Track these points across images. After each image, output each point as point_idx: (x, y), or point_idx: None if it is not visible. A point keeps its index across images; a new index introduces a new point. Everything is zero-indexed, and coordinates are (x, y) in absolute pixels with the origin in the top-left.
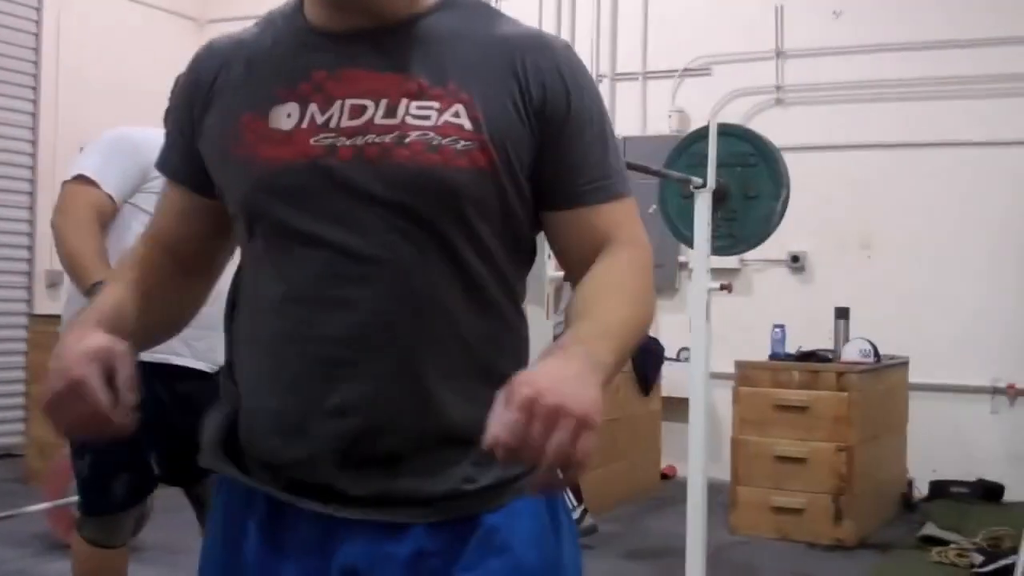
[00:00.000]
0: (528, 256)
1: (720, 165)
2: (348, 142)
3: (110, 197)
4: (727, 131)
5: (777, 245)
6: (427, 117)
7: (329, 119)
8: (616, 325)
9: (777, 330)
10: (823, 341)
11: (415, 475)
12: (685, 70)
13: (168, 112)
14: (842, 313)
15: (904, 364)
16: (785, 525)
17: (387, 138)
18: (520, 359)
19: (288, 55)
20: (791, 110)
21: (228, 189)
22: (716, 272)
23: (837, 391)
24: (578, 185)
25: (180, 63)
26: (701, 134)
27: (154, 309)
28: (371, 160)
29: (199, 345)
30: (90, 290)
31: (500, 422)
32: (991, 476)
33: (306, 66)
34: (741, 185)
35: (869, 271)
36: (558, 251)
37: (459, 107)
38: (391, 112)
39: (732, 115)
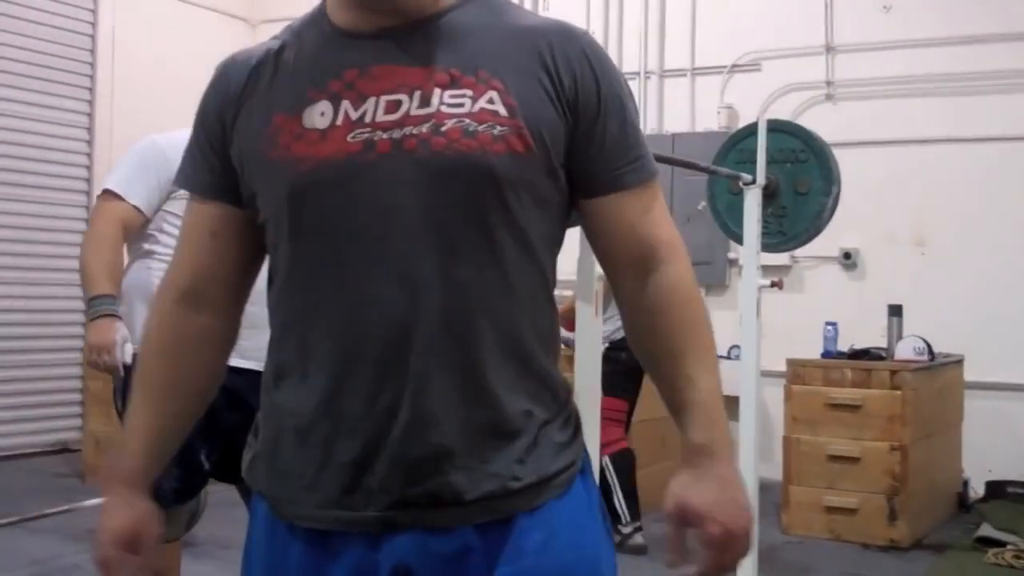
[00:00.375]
0: (558, 246)
1: (770, 161)
2: (385, 136)
3: (136, 208)
4: (777, 127)
5: (828, 241)
6: (461, 104)
7: (364, 115)
8: (716, 402)
9: (829, 328)
10: (876, 339)
11: (465, 471)
12: (734, 66)
13: (193, 130)
14: (895, 310)
15: (959, 362)
16: (838, 525)
17: (424, 128)
18: (552, 350)
19: (317, 57)
20: (841, 105)
21: (264, 192)
22: (766, 269)
23: (891, 389)
24: (616, 170)
25: None
26: (750, 130)
27: (185, 392)
28: (410, 151)
29: (246, 344)
30: (91, 301)
31: (705, 564)
32: None
33: (336, 66)
34: (791, 181)
35: (922, 267)
36: (601, 246)
37: (493, 94)
38: (425, 102)
39: (781, 111)
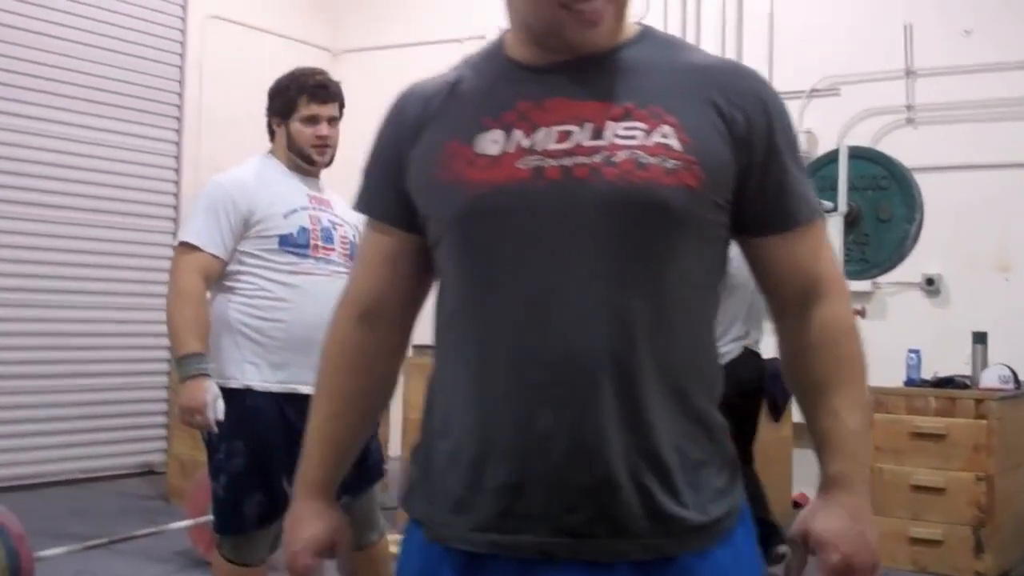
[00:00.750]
0: (722, 284)
1: (851, 188)
2: (555, 163)
3: (215, 256)
4: (858, 154)
5: (911, 267)
6: (634, 137)
7: (535, 143)
8: (859, 438)
9: (912, 355)
10: (960, 367)
11: (625, 504)
12: (813, 90)
13: (373, 151)
14: (980, 338)
15: None
16: (923, 557)
17: (595, 158)
18: (711, 389)
19: (492, 88)
20: (922, 130)
21: (434, 215)
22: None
23: (976, 419)
24: (785, 210)
25: None
26: (831, 157)
27: (365, 403)
28: (580, 179)
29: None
30: (179, 361)
31: None
32: None
33: (510, 97)
34: (873, 208)
35: (1007, 294)
36: (769, 283)
37: (667, 128)
38: (597, 134)
39: (861, 136)
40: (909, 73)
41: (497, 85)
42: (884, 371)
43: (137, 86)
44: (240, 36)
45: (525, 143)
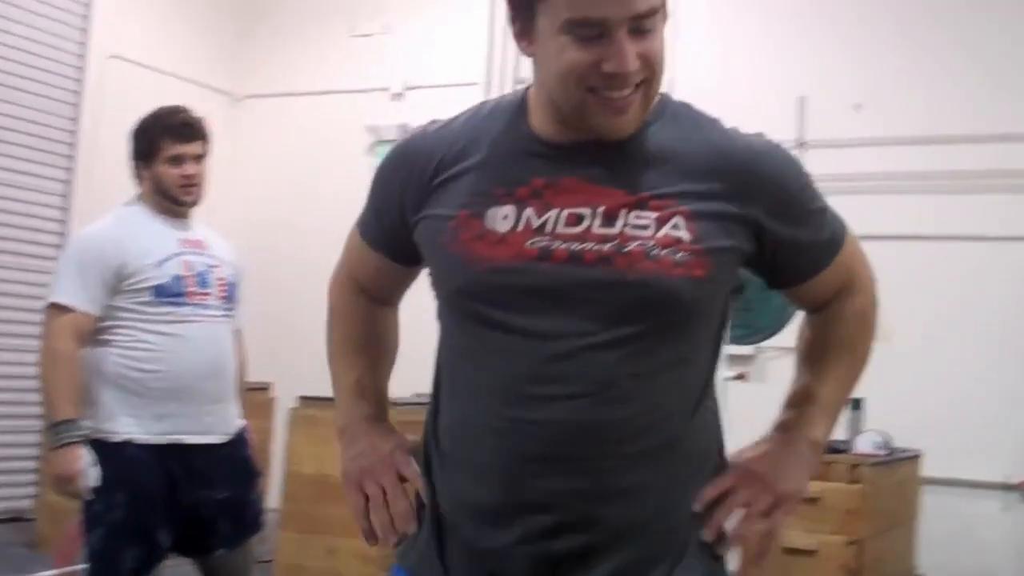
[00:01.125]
0: (724, 335)
1: None
2: (563, 246)
3: (87, 314)
4: None
5: (793, 333)
6: (646, 227)
7: (545, 223)
8: (835, 399)
9: None
10: (836, 431)
11: (614, 569)
12: None
13: (374, 187)
14: (856, 404)
15: (916, 457)
16: None
17: (606, 247)
18: (708, 467)
19: (509, 159)
20: None
21: (438, 279)
22: (732, 359)
23: (849, 483)
24: (814, 261)
25: (217, 137)
26: None
27: (386, 346)
28: (588, 265)
29: (208, 420)
30: (53, 427)
31: (711, 487)
32: (1001, 575)
33: (526, 172)
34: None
35: (884, 362)
36: (804, 305)
37: (678, 219)
38: (609, 222)
39: None
40: (801, 144)
41: (514, 156)
42: (762, 433)
43: (31, 123)
44: (140, 77)
45: (536, 223)
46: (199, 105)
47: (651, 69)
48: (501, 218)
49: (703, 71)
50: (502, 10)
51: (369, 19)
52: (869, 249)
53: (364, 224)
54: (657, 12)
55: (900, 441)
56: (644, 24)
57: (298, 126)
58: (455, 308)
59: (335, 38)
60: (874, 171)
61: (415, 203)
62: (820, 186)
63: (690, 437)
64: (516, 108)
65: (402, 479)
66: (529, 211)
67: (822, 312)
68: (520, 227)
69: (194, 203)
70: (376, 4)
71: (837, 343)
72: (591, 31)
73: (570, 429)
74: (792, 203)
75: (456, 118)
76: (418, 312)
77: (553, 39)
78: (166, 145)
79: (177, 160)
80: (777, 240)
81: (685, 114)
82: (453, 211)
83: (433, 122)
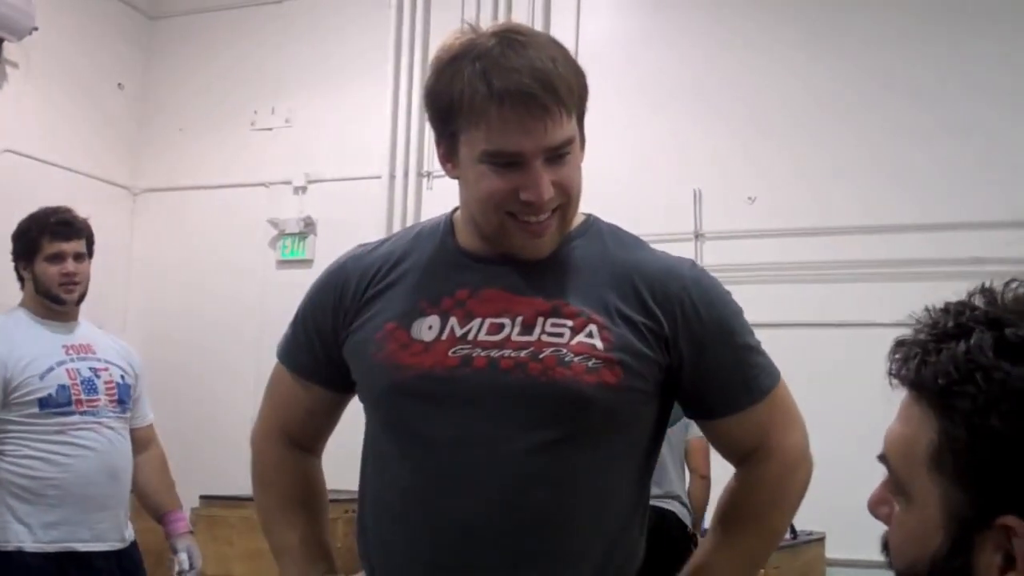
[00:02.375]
0: (653, 455)
1: None
2: (483, 353)
3: None
4: None
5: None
6: (561, 335)
7: (468, 332)
8: (736, 572)
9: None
10: None
11: None
12: None
13: (305, 311)
14: None
15: (821, 540)
16: None
17: (523, 353)
18: (635, 556)
19: (436, 273)
20: None
21: (366, 388)
22: None
23: None
24: (728, 396)
25: (114, 230)
26: None
27: (317, 508)
28: (505, 371)
29: (101, 527)
30: None
31: None
32: None
33: (451, 284)
34: None
35: None
36: (718, 447)
37: (592, 328)
38: (527, 330)
39: None
40: (698, 236)
41: (440, 269)
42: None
43: None
44: (35, 172)
45: (459, 331)
46: (96, 199)
47: (566, 195)
48: (427, 328)
49: (602, 167)
50: (405, 104)
51: (271, 113)
52: (766, 337)
53: (292, 356)
54: (571, 143)
55: (805, 524)
56: (559, 152)
57: (199, 220)
58: (379, 413)
59: (236, 131)
60: (764, 261)
61: (347, 317)
62: (718, 276)
63: (603, 549)
64: (444, 227)
65: None
66: (453, 320)
67: (739, 473)
68: (444, 336)
69: (76, 302)
70: (278, 97)
71: (747, 513)
72: (508, 160)
73: (484, 534)
74: (708, 330)
75: (387, 239)
76: None
77: (473, 167)
78: (45, 243)
79: (57, 258)
80: (689, 363)
81: (611, 232)
82: (381, 323)
83: (362, 245)
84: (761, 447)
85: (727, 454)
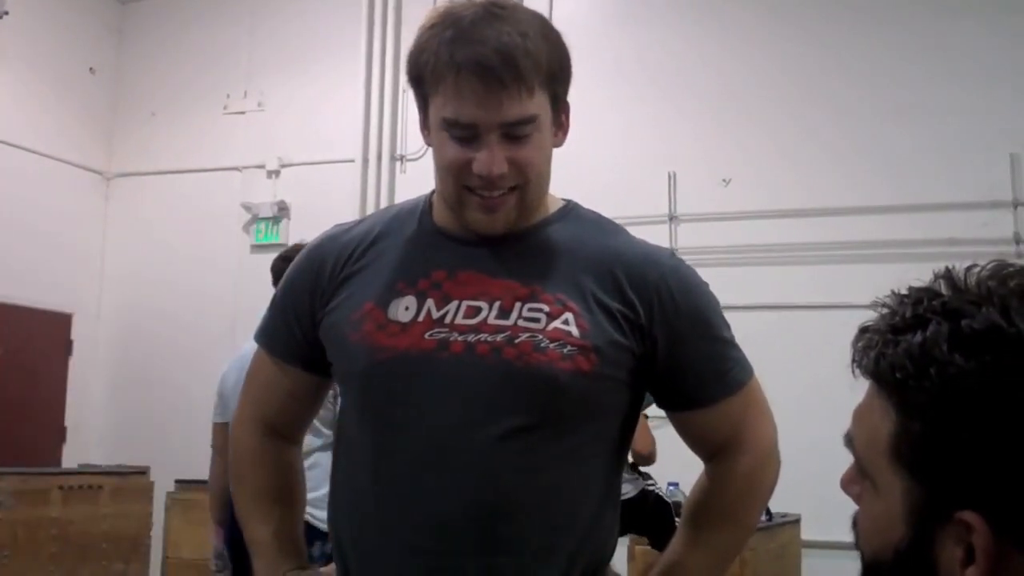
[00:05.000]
0: (625, 444)
1: None
2: (460, 338)
3: None
4: None
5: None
6: (537, 320)
7: (444, 315)
8: (706, 570)
9: (671, 487)
10: None
11: None
12: None
13: (283, 292)
14: None
15: (796, 521)
16: None
17: (498, 337)
18: (596, 552)
19: (412, 252)
20: None
21: (340, 369)
22: None
23: None
24: (701, 388)
25: (87, 215)
26: None
27: (292, 501)
28: (481, 356)
29: None
30: None
31: None
32: None
33: (428, 265)
34: None
35: None
36: (688, 441)
37: (568, 315)
38: (504, 314)
39: None
40: (672, 218)
41: (417, 250)
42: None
43: None
44: (9, 157)
45: (435, 314)
46: (70, 184)
47: (523, 175)
48: (403, 309)
49: (575, 149)
50: (378, 87)
51: (243, 96)
52: (740, 318)
53: (271, 339)
54: (531, 121)
55: (779, 507)
56: (516, 131)
57: (173, 204)
58: (353, 394)
59: (209, 115)
60: (739, 243)
61: (324, 297)
62: (692, 258)
63: (576, 539)
64: (423, 205)
65: None
66: (430, 302)
67: (709, 468)
68: (421, 318)
69: None
70: (251, 81)
71: (718, 509)
72: (465, 132)
73: (456, 519)
74: (685, 320)
75: (365, 219)
76: None
77: (437, 133)
78: None
79: None
80: (663, 352)
81: (590, 219)
82: (358, 303)
83: (339, 225)
84: (733, 441)
85: (698, 448)
